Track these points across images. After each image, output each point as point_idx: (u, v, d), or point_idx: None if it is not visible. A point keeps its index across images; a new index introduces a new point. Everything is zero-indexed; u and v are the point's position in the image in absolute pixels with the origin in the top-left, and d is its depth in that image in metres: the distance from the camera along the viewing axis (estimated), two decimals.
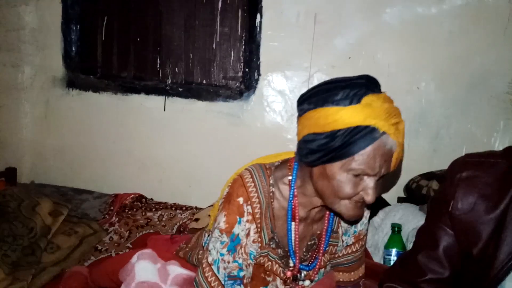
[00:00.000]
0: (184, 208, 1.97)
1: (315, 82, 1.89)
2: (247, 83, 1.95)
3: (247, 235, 1.01)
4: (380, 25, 1.85)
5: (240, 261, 1.01)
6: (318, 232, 1.10)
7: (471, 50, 1.79)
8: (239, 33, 1.95)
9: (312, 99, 0.92)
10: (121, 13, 2.07)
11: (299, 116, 0.96)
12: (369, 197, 0.90)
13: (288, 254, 1.06)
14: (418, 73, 1.83)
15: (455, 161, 0.97)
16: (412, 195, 1.70)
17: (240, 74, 1.97)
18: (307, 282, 1.09)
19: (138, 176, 2.14)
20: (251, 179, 1.02)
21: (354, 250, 1.15)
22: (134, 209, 1.93)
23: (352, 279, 1.16)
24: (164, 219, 1.88)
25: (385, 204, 1.73)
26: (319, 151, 0.89)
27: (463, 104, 1.81)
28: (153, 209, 1.95)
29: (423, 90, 1.84)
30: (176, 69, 2.04)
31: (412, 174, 1.75)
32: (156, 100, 2.07)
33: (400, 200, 1.81)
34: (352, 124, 0.85)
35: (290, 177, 1.03)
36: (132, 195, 2.03)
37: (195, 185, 2.10)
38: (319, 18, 1.86)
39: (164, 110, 2.06)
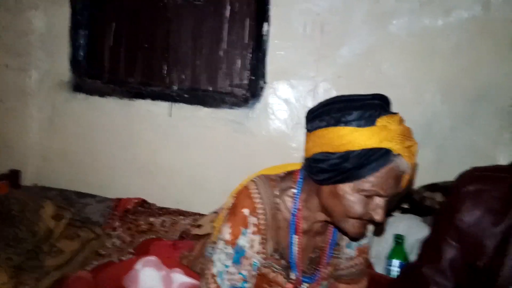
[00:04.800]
0: (187, 214, 1.97)
1: (321, 91, 1.90)
2: (252, 90, 1.96)
3: (252, 246, 1.01)
4: (387, 37, 1.85)
5: (245, 273, 1.01)
6: (321, 245, 1.10)
7: (477, 63, 1.79)
8: (246, 42, 1.96)
9: (324, 117, 0.91)
10: (129, 20, 2.09)
11: (309, 131, 0.96)
12: (379, 217, 0.90)
13: (292, 266, 1.06)
14: (424, 85, 1.84)
15: (462, 174, 0.98)
16: (416, 206, 1.70)
17: (246, 81, 1.98)
18: None
19: (141, 181, 2.14)
20: (256, 190, 1.02)
21: (357, 263, 1.14)
22: (137, 214, 1.93)
23: None
24: (166, 224, 1.88)
25: (388, 214, 1.73)
26: (331, 171, 0.90)
27: (468, 116, 1.81)
28: (156, 215, 1.95)
29: (429, 101, 1.84)
30: (183, 75, 2.05)
31: (416, 185, 1.75)
32: (161, 106, 2.08)
33: (403, 211, 1.80)
34: (366, 146, 0.85)
35: (294, 190, 1.03)
36: (135, 200, 2.03)
37: (198, 191, 2.10)
38: (326, 28, 1.87)
39: (170, 116, 2.07)
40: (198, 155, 2.07)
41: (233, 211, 1.02)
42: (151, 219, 1.91)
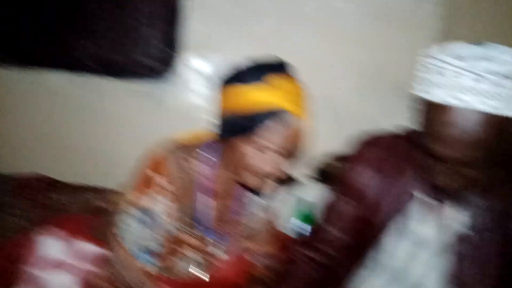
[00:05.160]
0: (96, 190, 1.90)
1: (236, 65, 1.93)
2: (167, 63, 1.91)
3: (162, 209, 1.03)
4: (300, 15, 1.94)
5: (155, 234, 1.02)
6: (234, 208, 1.15)
7: (377, 43, 1.95)
8: (162, 13, 1.90)
9: (227, 79, 0.99)
10: None
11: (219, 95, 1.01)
12: (273, 170, 0.98)
13: (202, 227, 1.09)
14: (330, 62, 1.96)
15: (360, 141, 1.08)
16: (320, 174, 1.83)
17: (160, 53, 1.92)
18: (219, 254, 1.14)
19: (44, 156, 2.00)
20: (168, 155, 1.04)
21: (266, 224, 1.22)
22: (43, 191, 1.81)
23: (264, 251, 1.23)
24: (72, 200, 1.80)
25: (293, 182, 1.85)
26: (229, 127, 0.98)
27: (367, 91, 1.97)
28: (62, 191, 1.84)
29: (333, 77, 1.97)
30: (91, 45, 1.92)
31: (320, 156, 1.89)
32: (67, 77, 1.94)
33: (308, 179, 1.92)
34: (259, 103, 0.93)
35: (207, 155, 1.07)
36: (35, 176, 1.90)
37: (108, 166, 2.01)
38: (242, 3, 1.89)
39: (76, 88, 1.95)
40: (107, 129, 1.98)
41: (143, 174, 1.03)
42: (54, 195, 1.81)
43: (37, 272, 0.99)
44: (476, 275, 0.90)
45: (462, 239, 0.90)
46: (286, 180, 1.79)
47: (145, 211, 1.01)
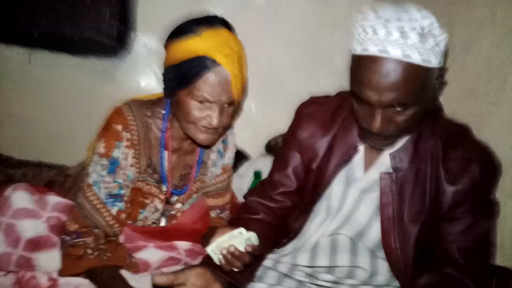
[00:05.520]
0: (50, 166, 1.91)
1: None
2: (122, 41, 1.97)
3: (125, 158, 1.12)
4: (247, 3, 2.08)
5: (120, 181, 1.11)
6: (190, 163, 1.26)
7: (320, 31, 2.15)
8: None
9: (168, 37, 1.10)
10: None
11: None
12: (213, 121, 1.07)
13: (162, 178, 1.19)
14: (277, 48, 2.13)
15: (302, 102, 1.24)
16: (272, 151, 1.99)
17: (115, 32, 1.97)
18: (179, 205, 1.25)
19: None
20: (129, 110, 1.13)
21: (222, 180, 1.35)
22: None
23: (220, 204, 1.36)
24: (29, 175, 1.80)
25: (246, 157, 2.00)
26: (171, 80, 1.07)
27: (312, 76, 2.17)
28: (15, 167, 1.84)
29: (281, 63, 2.14)
30: (45, 21, 1.92)
31: (272, 135, 2.05)
32: (19, 52, 1.93)
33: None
34: (191, 54, 1.03)
35: (163, 111, 1.17)
36: None
37: (61, 143, 2.04)
38: None
39: (29, 63, 1.95)
40: (61, 106, 2.00)
41: (106, 127, 1.11)
42: (10, 170, 1.80)
43: (11, 220, 1.04)
44: (398, 209, 1.08)
45: (385, 178, 1.08)
46: (240, 156, 1.94)
47: (108, 158, 1.09)
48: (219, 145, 1.33)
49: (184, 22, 1.08)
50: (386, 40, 0.89)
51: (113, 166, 1.10)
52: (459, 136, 1.08)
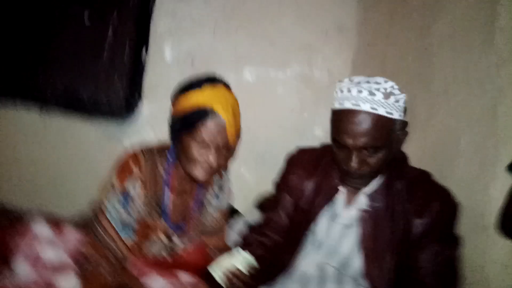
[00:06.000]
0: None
1: None
2: (129, 105, 2.22)
3: (137, 194, 1.28)
4: (241, 79, 2.40)
5: (132, 212, 1.26)
6: (189, 203, 1.43)
7: (302, 105, 2.47)
8: (126, 61, 2.24)
9: (175, 92, 1.32)
10: (8, 23, 2.14)
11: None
12: (210, 159, 1.25)
13: (166, 217, 1.35)
14: (264, 120, 2.40)
15: (291, 152, 1.46)
16: (263, 207, 2.15)
17: (123, 96, 2.23)
18: (178, 241, 1.39)
19: (2, 185, 2.09)
20: (141, 153, 1.32)
21: (218, 221, 1.50)
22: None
23: (216, 244, 1.49)
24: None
25: (237, 213, 2.15)
26: (175, 126, 1.27)
27: (295, 143, 2.40)
28: (17, 216, 1.93)
29: (265, 132, 2.40)
30: (60, 83, 2.17)
31: (260, 192, 2.23)
32: (34, 112, 2.14)
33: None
34: (194, 105, 1.24)
35: (169, 155, 1.37)
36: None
37: (63, 198, 2.16)
38: (195, 63, 2.33)
39: (42, 122, 2.14)
40: (65, 159, 2.16)
41: (122, 166, 1.29)
42: (14, 220, 1.89)
43: (34, 248, 1.16)
44: (375, 242, 1.25)
45: (363, 214, 1.26)
46: (231, 210, 2.09)
47: (123, 192, 1.25)
48: (216, 189, 1.50)
49: (190, 80, 1.31)
50: (358, 97, 1.14)
51: (126, 199, 1.26)
52: (422, 179, 1.30)
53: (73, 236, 1.25)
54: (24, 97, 2.13)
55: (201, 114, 1.21)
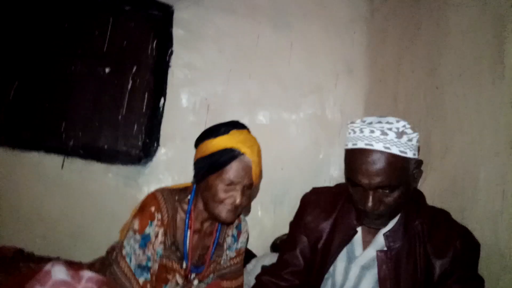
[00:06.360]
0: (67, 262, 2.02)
1: None
2: (146, 151, 2.27)
3: (156, 236, 1.29)
4: (255, 122, 2.45)
5: (149, 254, 1.27)
6: (208, 245, 1.43)
7: (314, 145, 2.49)
8: (144, 110, 2.33)
9: (201, 137, 1.39)
10: (33, 79, 2.27)
11: (195, 149, 1.40)
12: (237, 200, 1.30)
13: (184, 257, 1.35)
14: (280, 157, 2.42)
15: (306, 193, 1.46)
16: (277, 249, 2.13)
17: (140, 143, 2.29)
18: (196, 282, 1.38)
19: (21, 231, 2.13)
20: (161, 195, 1.34)
21: (235, 262, 1.50)
22: (16, 261, 1.91)
23: (234, 286, 1.47)
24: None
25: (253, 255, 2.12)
26: (203, 168, 1.31)
27: (311, 183, 2.40)
28: (36, 262, 1.95)
29: (282, 172, 2.41)
30: (80, 133, 2.24)
31: (277, 235, 2.22)
32: (54, 159, 2.20)
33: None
34: (222, 147, 1.30)
35: (189, 197, 1.39)
36: (12, 249, 2.00)
37: (80, 242, 2.18)
38: (210, 108, 2.39)
39: (62, 169, 2.20)
40: (85, 207, 2.19)
41: (142, 208, 1.32)
42: (32, 265, 1.91)
43: None
44: (395, 283, 1.21)
45: (382, 255, 1.23)
46: (247, 254, 2.08)
47: (141, 234, 1.27)
48: (233, 230, 1.51)
49: (216, 125, 1.38)
50: (370, 137, 1.16)
51: (145, 241, 1.27)
52: (441, 219, 1.27)
53: (90, 279, 1.24)
54: (47, 150, 2.20)
55: (228, 155, 1.28)
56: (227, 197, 1.29)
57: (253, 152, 1.32)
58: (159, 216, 1.30)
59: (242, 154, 1.30)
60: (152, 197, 1.33)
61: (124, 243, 1.27)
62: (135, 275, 1.24)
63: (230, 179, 1.28)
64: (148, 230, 1.28)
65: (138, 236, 1.27)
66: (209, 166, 1.29)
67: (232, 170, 1.28)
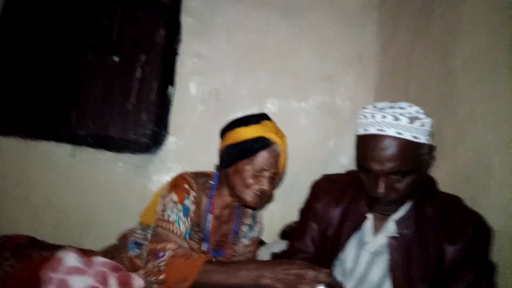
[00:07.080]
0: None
1: (215, 144, 2.33)
2: (155, 140, 2.28)
3: (191, 210, 1.33)
4: (264, 110, 2.43)
5: (187, 223, 1.31)
6: (226, 232, 1.45)
7: (325, 135, 2.47)
8: (153, 99, 2.33)
9: (231, 125, 1.41)
10: (44, 69, 2.29)
11: (222, 136, 1.43)
12: (264, 186, 1.34)
13: (206, 240, 1.37)
14: (288, 147, 2.40)
15: (316, 179, 1.45)
16: (286, 236, 2.12)
17: (150, 132, 2.29)
18: None
19: (32, 220, 2.16)
20: (190, 176, 1.37)
21: (250, 250, 1.53)
22: (29, 248, 1.93)
23: None
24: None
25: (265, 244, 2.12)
26: (235, 154, 1.34)
27: (320, 171, 2.39)
28: (48, 249, 1.97)
29: (293, 160, 2.39)
30: (90, 122, 2.27)
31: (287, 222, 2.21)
32: (66, 149, 2.23)
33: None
34: (255, 136, 1.34)
35: (212, 182, 1.42)
36: (25, 237, 2.03)
37: (91, 230, 2.20)
38: (220, 97, 2.39)
39: (73, 158, 2.22)
40: (95, 195, 2.22)
41: (176, 184, 1.35)
42: (45, 253, 1.93)
43: (64, 276, 1.18)
44: (406, 269, 1.20)
45: (392, 242, 1.22)
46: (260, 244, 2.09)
47: (182, 205, 1.31)
48: (249, 220, 1.55)
49: (245, 116, 1.43)
50: (382, 122, 1.14)
51: (186, 211, 1.32)
52: (454, 205, 1.25)
53: (102, 264, 1.26)
54: (58, 139, 2.22)
55: (262, 144, 1.34)
56: (255, 183, 1.34)
57: (283, 143, 1.39)
58: (194, 194, 1.35)
59: (274, 143, 1.35)
60: (182, 177, 1.38)
61: (165, 213, 1.30)
62: (186, 237, 1.29)
63: (260, 165, 1.33)
64: (186, 202, 1.33)
65: (180, 206, 1.31)
66: (241, 152, 1.34)
67: (263, 158, 1.34)
